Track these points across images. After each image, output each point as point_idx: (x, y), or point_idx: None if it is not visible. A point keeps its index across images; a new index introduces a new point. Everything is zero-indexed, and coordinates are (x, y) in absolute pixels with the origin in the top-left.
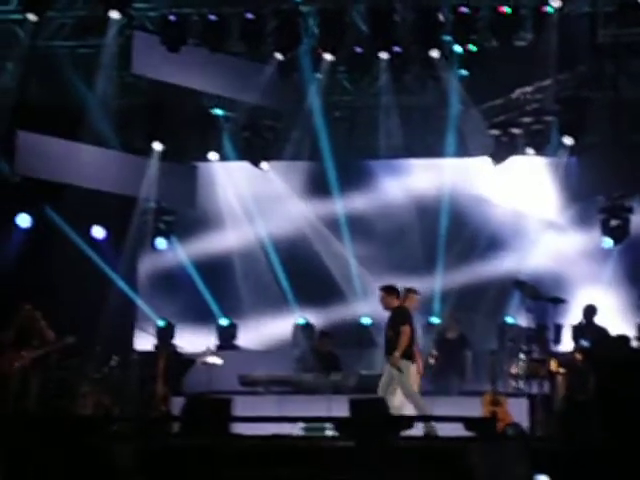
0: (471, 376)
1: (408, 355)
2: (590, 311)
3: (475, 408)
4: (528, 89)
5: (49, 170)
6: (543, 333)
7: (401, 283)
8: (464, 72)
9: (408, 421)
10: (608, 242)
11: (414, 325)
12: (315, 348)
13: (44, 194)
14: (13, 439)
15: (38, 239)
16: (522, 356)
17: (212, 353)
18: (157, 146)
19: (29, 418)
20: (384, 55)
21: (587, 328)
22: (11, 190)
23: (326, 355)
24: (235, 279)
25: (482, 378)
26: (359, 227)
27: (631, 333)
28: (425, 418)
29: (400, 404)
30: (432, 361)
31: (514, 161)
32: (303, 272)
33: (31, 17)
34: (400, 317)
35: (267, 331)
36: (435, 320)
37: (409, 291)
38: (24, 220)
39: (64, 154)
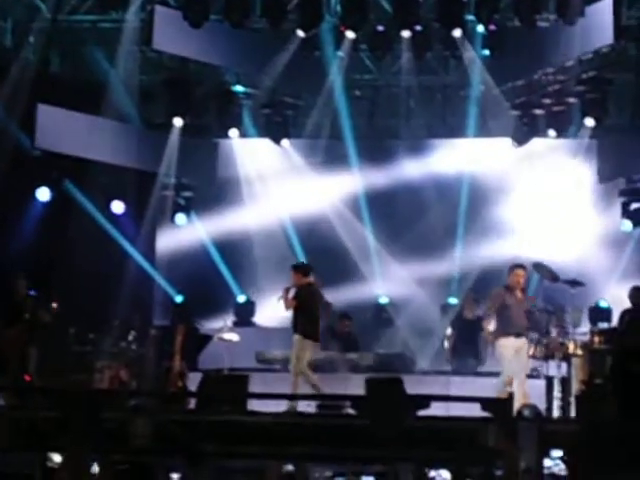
0: (488, 357)
1: (308, 334)
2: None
3: (492, 389)
4: (550, 70)
5: (69, 144)
6: (561, 315)
7: (419, 263)
8: (486, 52)
9: (425, 400)
10: (627, 225)
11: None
12: (334, 328)
13: (64, 168)
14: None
15: (57, 213)
16: (540, 338)
17: (229, 329)
18: (178, 122)
19: (48, 391)
20: (406, 34)
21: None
22: (31, 164)
23: (345, 336)
24: (253, 256)
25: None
26: (379, 206)
27: None
28: (301, 396)
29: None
30: (446, 344)
31: (535, 142)
32: (322, 250)
33: None
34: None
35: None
36: (453, 300)
37: (514, 267)
38: (44, 194)
39: (85, 128)
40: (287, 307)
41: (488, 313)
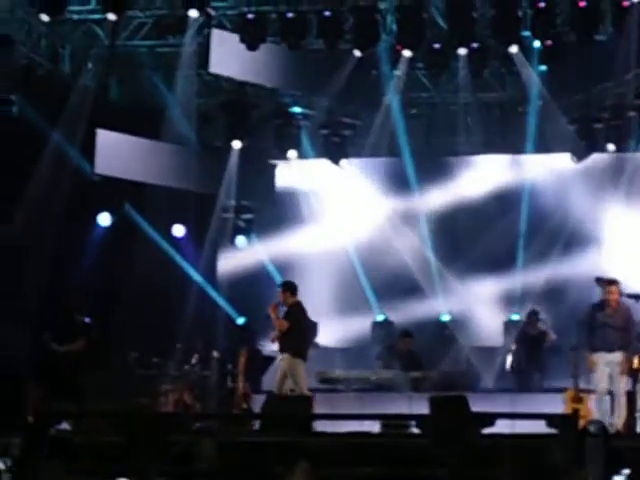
0: (552, 372)
1: (299, 353)
2: None
3: (557, 405)
4: (608, 84)
5: (129, 169)
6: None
7: (481, 280)
8: (543, 67)
9: (490, 418)
10: None
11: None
12: (396, 347)
13: (124, 193)
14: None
15: (119, 237)
16: None
17: None
18: (236, 144)
19: (112, 416)
20: (462, 51)
21: None
22: (92, 189)
23: (407, 354)
24: (314, 276)
25: (563, 375)
26: (438, 224)
27: None
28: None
29: None
30: (509, 360)
31: (595, 157)
32: (382, 269)
33: (111, 17)
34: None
35: (346, 328)
36: (515, 317)
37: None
38: (105, 219)
39: (144, 153)
40: (279, 328)
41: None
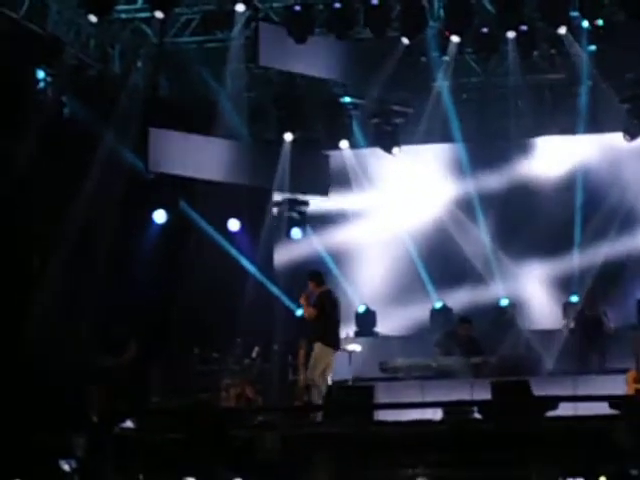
0: (613, 353)
1: (327, 341)
2: None
3: (618, 386)
4: None
5: (182, 165)
6: None
7: (538, 262)
8: (593, 47)
9: (553, 401)
10: None
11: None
12: (455, 333)
13: (178, 189)
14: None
15: (174, 234)
16: None
17: (351, 340)
18: (288, 136)
19: (175, 413)
20: (511, 34)
21: None
22: (146, 187)
23: (467, 340)
24: (370, 266)
25: (623, 355)
26: (493, 207)
27: None
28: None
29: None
30: (565, 330)
31: None
32: (439, 256)
33: (158, 14)
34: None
35: (405, 317)
36: (574, 298)
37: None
38: (160, 216)
39: (196, 149)
40: (309, 315)
41: None
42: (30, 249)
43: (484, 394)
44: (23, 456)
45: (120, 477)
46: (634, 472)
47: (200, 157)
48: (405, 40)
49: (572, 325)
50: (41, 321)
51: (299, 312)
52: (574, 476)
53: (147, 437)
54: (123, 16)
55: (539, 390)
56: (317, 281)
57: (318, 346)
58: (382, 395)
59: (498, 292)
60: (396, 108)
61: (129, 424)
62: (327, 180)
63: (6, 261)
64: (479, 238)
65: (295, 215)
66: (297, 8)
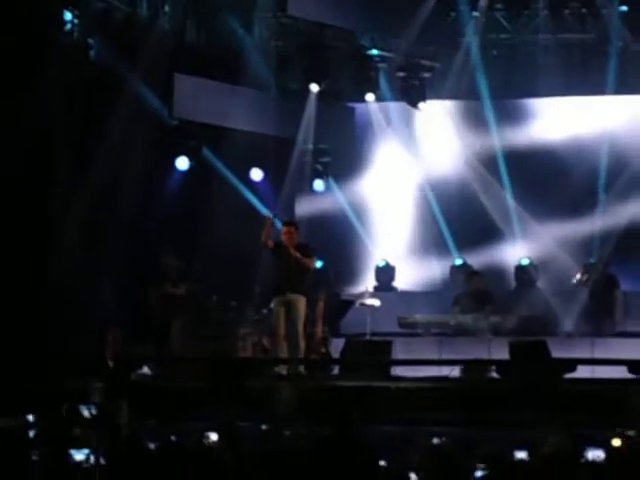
0: (622, 317)
1: (304, 292)
2: None
3: (637, 349)
4: None
5: (207, 113)
6: None
7: (560, 223)
8: (624, 7)
9: (571, 364)
10: None
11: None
12: (468, 290)
13: (202, 137)
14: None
15: (197, 182)
16: None
17: (370, 295)
18: (314, 87)
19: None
20: None
21: None
22: (170, 133)
23: (477, 293)
24: (392, 220)
25: (634, 319)
26: (518, 166)
27: None
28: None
29: None
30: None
31: None
32: (461, 212)
33: None
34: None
35: (425, 272)
36: (594, 260)
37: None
38: (183, 163)
39: (222, 97)
40: (312, 265)
41: None
42: (54, 195)
43: (502, 353)
44: (44, 400)
45: (136, 424)
46: None
47: (225, 105)
48: None
49: (585, 279)
50: (66, 262)
51: (319, 264)
52: (590, 439)
53: (164, 384)
54: None
55: (556, 351)
56: (296, 229)
57: (302, 299)
58: (400, 350)
59: (519, 251)
60: (424, 62)
61: (146, 370)
62: (352, 133)
63: (38, 196)
64: (502, 196)
65: (318, 167)
66: None
